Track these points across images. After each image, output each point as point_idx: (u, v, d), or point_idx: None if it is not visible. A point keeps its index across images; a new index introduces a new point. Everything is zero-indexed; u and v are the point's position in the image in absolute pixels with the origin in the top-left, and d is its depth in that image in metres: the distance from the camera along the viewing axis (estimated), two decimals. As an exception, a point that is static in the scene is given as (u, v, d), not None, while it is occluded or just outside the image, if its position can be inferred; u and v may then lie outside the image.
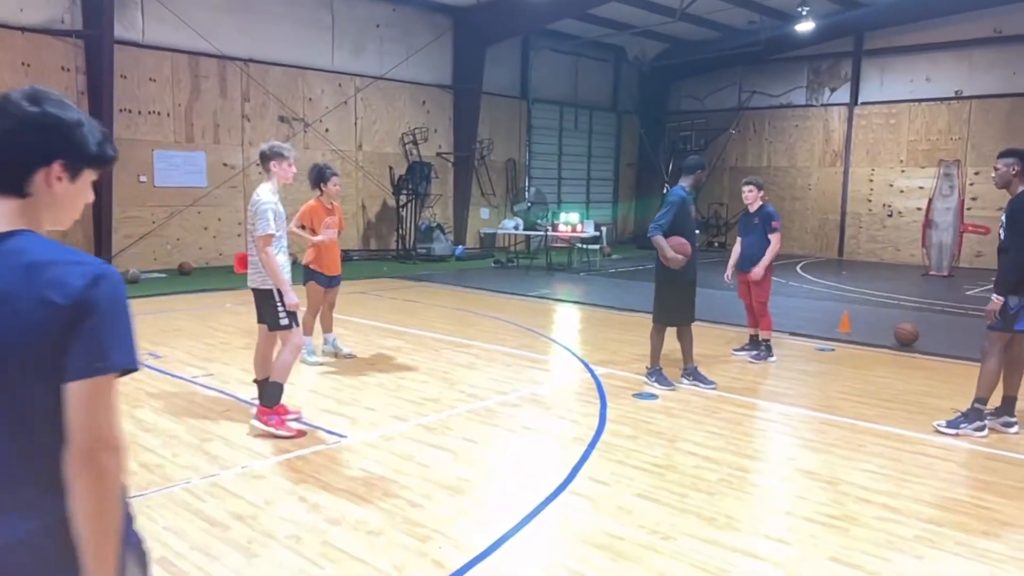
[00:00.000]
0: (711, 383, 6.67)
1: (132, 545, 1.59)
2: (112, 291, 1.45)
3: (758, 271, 7.61)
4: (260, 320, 5.48)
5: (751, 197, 7.83)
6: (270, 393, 5.26)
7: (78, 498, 1.41)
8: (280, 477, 4.48)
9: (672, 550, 3.65)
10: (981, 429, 5.43)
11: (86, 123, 1.54)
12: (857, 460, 4.92)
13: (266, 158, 5.34)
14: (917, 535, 3.85)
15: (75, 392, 1.41)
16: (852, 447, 5.18)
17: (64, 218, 1.58)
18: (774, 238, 7.65)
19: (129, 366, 1.47)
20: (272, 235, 5.16)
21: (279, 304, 5.26)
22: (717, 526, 3.92)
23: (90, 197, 1.63)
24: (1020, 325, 5.35)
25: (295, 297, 5.29)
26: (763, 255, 7.63)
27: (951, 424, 5.49)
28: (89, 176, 1.58)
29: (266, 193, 5.29)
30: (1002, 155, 5.43)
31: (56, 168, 1.51)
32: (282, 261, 5.28)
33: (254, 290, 5.42)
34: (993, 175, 5.49)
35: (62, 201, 1.55)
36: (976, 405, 5.47)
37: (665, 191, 7.12)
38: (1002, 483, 4.58)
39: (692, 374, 6.76)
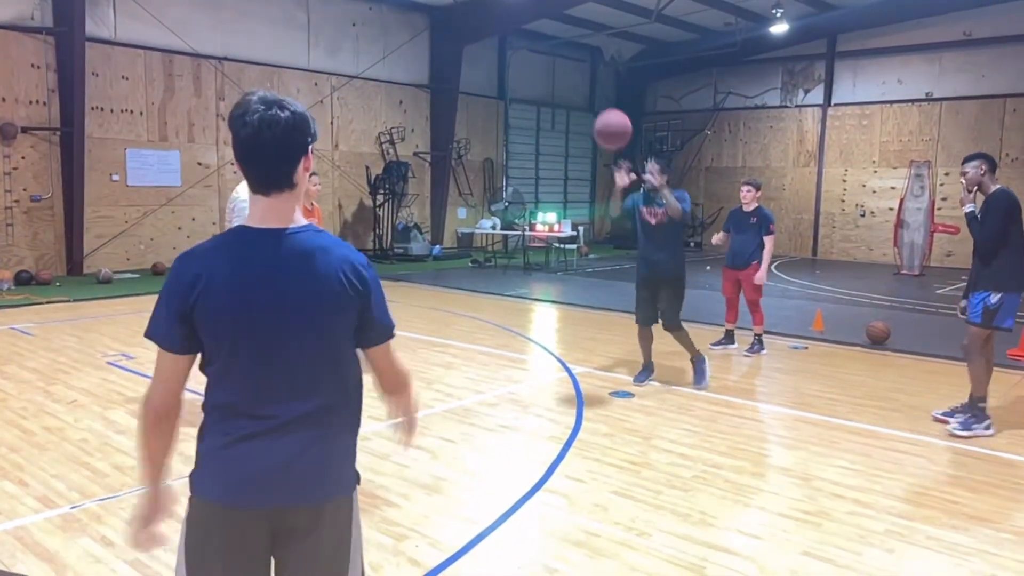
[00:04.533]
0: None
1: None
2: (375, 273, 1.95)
3: (761, 276, 7.83)
4: None
5: (749, 197, 7.97)
6: None
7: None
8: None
9: (647, 546, 3.68)
10: (989, 428, 5.46)
11: (306, 109, 1.85)
12: (830, 456, 4.99)
13: None
14: (888, 529, 3.91)
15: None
16: (825, 443, 5.25)
17: (307, 195, 1.98)
18: (769, 240, 7.80)
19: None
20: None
21: None
22: (692, 522, 3.96)
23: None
24: (1000, 321, 5.41)
25: None
26: (755, 253, 7.84)
27: (964, 426, 5.47)
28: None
29: (245, 191, 5.25)
30: (968, 159, 5.55)
31: (310, 153, 1.85)
32: None
33: None
34: (963, 180, 5.56)
35: (305, 180, 1.87)
36: (979, 404, 5.51)
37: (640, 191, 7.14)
38: (970, 478, 4.67)
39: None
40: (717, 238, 8.22)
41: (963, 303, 5.75)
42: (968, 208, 5.58)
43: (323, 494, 1.86)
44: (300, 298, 1.78)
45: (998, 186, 5.49)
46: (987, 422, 5.50)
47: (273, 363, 1.80)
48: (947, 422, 5.62)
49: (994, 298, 5.39)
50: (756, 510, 4.16)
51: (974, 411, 5.53)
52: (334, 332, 1.83)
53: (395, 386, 2.03)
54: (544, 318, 10.77)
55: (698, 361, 6.71)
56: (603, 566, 3.48)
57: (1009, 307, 5.39)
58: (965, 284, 5.82)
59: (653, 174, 6.44)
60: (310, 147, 1.83)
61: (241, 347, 1.78)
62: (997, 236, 5.37)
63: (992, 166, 5.52)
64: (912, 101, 19.09)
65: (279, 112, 1.75)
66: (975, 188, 5.50)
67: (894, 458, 4.99)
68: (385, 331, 1.94)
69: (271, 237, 1.80)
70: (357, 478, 1.99)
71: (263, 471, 1.80)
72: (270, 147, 1.75)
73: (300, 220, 1.84)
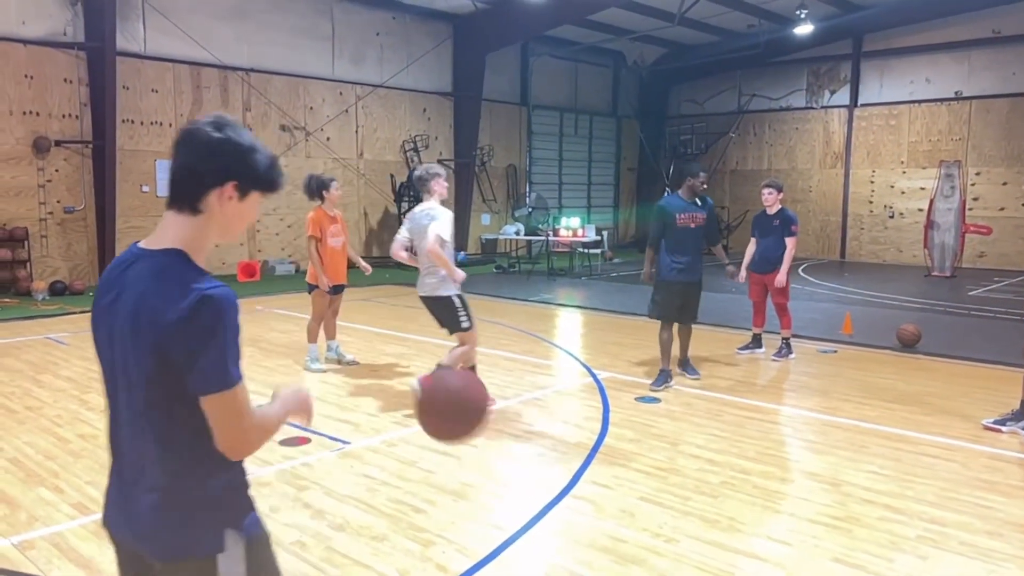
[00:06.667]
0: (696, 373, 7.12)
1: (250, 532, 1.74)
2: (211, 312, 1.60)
3: (781, 279, 7.72)
4: (442, 325, 5.99)
5: (771, 199, 7.88)
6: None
7: None
8: (284, 484, 4.50)
9: (675, 552, 3.66)
10: None
11: (260, 149, 1.70)
12: (859, 461, 4.93)
13: (424, 180, 5.90)
14: (920, 535, 3.86)
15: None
16: (855, 448, 5.19)
17: (230, 234, 1.74)
18: (791, 242, 7.72)
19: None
20: (446, 240, 5.68)
21: (460, 309, 5.85)
22: (720, 528, 3.93)
23: (254, 218, 1.79)
24: None
25: (462, 273, 5.84)
26: (780, 256, 7.75)
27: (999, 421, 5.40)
28: (256, 198, 1.72)
29: (438, 207, 5.86)
30: None
31: (228, 188, 1.66)
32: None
33: (428, 298, 5.92)
34: None
35: (230, 219, 1.70)
36: None
37: (666, 194, 7.21)
38: (1004, 483, 4.59)
39: (682, 365, 7.19)
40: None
41: None
42: None
43: (163, 551, 1.67)
44: (124, 336, 1.62)
45: None
46: None
47: (112, 401, 1.71)
48: (1000, 431, 5.49)
49: None
50: (785, 516, 4.13)
51: None
52: (157, 375, 1.58)
53: (225, 449, 1.63)
54: (568, 323, 10.76)
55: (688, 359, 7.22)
56: (629, 572, 3.47)
57: None
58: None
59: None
60: (232, 182, 1.65)
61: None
62: None
63: None
64: (941, 100, 18.82)
65: (207, 130, 1.63)
66: None
67: (926, 463, 4.91)
68: (203, 380, 1.56)
69: (136, 259, 1.67)
70: (219, 542, 1.66)
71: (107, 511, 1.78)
72: (180, 158, 1.66)
73: (193, 250, 1.66)
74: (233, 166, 1.66)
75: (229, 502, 1.71)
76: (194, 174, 1.65)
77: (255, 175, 1.69)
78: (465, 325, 5.88)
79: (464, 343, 5.97)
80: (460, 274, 5.84)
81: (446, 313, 5.91)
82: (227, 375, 1.56)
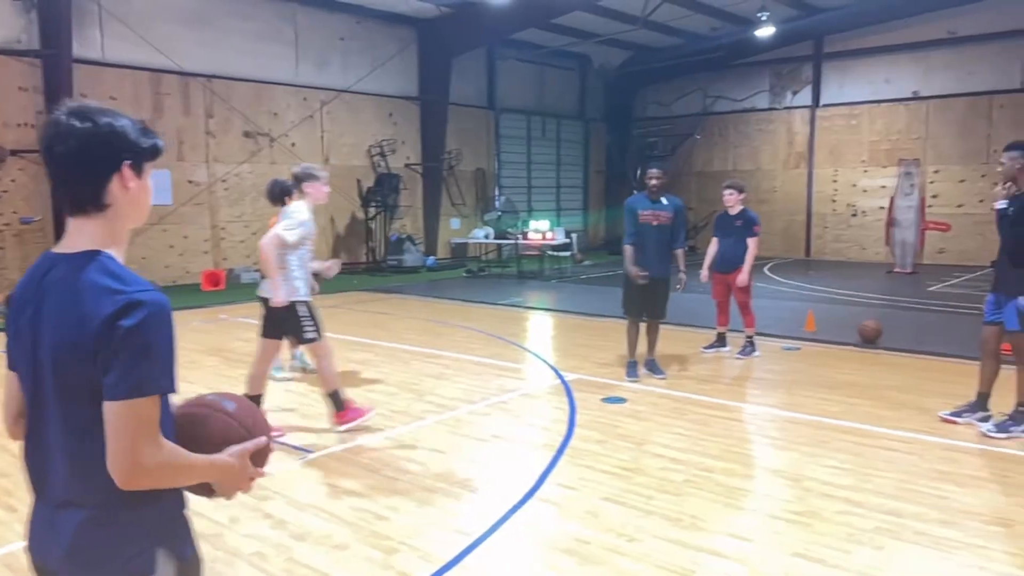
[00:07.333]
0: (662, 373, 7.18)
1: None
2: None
3: (744, 278, 7.82)
4: (268, 335, 5.49)
5: (732, 200, 7.99)
6: (337, 401, 5.50)
7: None
8: (245, 495, 4.43)
9: (638, 551, 3.67)
10: None
11: (128, 119, 1.63)
12: (821, 456, 4.99)
13: (299, 179, 5.47)
14: (877, 527, 3.92)
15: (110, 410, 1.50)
16: (816, 443, 5.26)
17: (142, 215, 1.68)
18: (753, 242, 7.82)
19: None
20: (290, 242, 5.26)
21: (306, 316, 5.41)
22: (682, 526, 3.95)
23: (152, 190, 1.71)
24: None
25: (287, 289, 5.37)
26: (742, 256, 7.84)
27: (1000, 428, 5.31)
28: (150, 169, 1.67)
29: (302, 209, 5.41)
30: (1008, 148, 5.27)
31: (125, 170, 1.59)
32: (299, 276, 5.39)
33: (267, 300, 5.41)
34: (999, 168, 5.35)
35: (137, 199, 1.64)
36: (1020, 408, 5.35)
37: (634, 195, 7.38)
38: (959, 473, 4.68)
39: (648, 365, 7.26)
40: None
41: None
42: (1000, 204, 5.30)
43: (91, 573, 1.59)
44: (50, 349, 1.54)
45: None
46: None
47: (36, 421, 1.63)
48: (956, 422, 5.59)
49: None
50: (747, 512, 4.17)
51: (1014, 414, 5.35)
52: (85, 388, 1.50)
53: (115, 468, 1.48)
54: (538, 326, 10.78)
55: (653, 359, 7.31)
56: (593, 573, 3.48)
57: None
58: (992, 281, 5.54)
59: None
60: (125, 163, 1.59)
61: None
62: None
63: None
64: (900, 100, 19.18)
65: (76, 123, 1.54)
66: (1009, 182, 5.23)
67: (885, 456, 4.99)
68: (115, 384, 1.47)
69: (52, 265, 1.59)
70: (150, 564, 1.59)
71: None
72: (62, 163, 1.55)
73: (111, 246, 1.60)
74: (118, 146, 1.58)
75: (162, 522, 1.64)
76: (86, 171, 1.56)
77: (140, 147, 1.62)
78: (311, 336, 5.43)
79: (316, 356, 5.51)
80: (288, 287, 5.31)
81: (290, 320, 5.38)
82: (147, 382, 1.47)
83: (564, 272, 16.74)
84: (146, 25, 13.84)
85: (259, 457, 1.76)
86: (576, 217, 23.91)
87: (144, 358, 1.47)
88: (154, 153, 1.66)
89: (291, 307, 5.34)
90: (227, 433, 1.70)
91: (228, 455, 1.68)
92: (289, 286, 5.34)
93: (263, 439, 1.76)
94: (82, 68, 13.06)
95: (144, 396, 1.47)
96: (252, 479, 1.74)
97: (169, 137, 14.53)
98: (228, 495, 1.73)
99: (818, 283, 14.69)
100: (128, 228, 1.66)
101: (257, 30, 15.67)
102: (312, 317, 5.46)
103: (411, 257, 17.31)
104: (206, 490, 1.70)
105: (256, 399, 5.34)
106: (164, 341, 1.52)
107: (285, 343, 7.48)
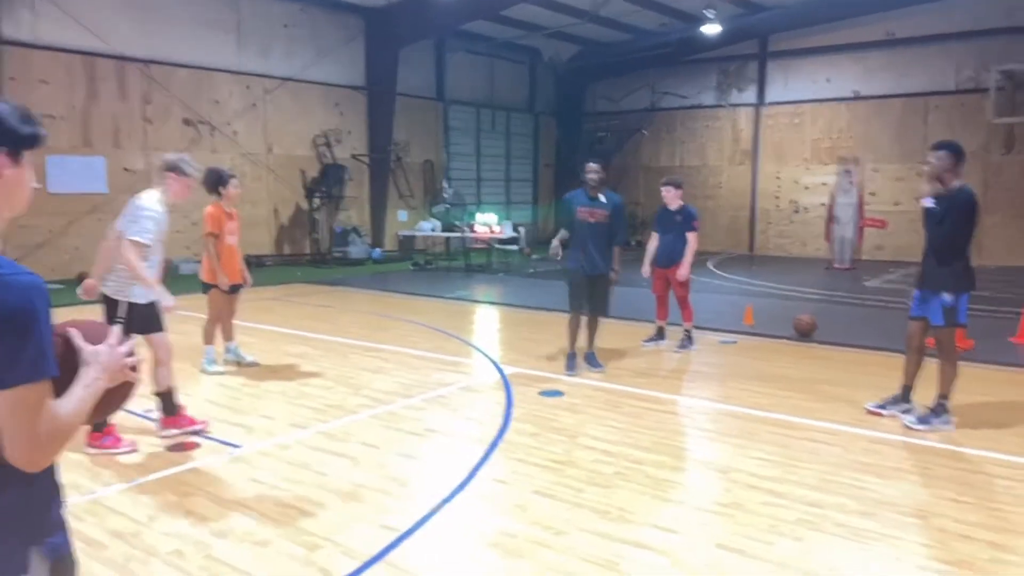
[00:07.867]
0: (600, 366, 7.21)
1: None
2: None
3: (684, 272, 7.91)
4: (141, 332, 5.08)
5: (671, 196, 8.06)
6: (167, 406, 5.29)
7: None
8: (168, 492, 4.32)
9: (563, 544, 3.67)
10: (949, 422, 5.41)
11: (8, 106, 1.57)
12: (749, 448, 5.07)
13: (169, 167, 5.13)
14: (799, 518, 3.99)
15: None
16: (745, 436, 5.34)
17: (19, 203, 1.63)
18: (692, 237, 7.92)
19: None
20: (146, 245, 4.95)
21: (122, 318, 4.99)
22: (610, 519, 3.97)
23: (32, 178, 1.65)
24: (959, 318, 5.39)
25: (171, 299, 5.13)
26: (682, 251, 7.93)
27: (922, 421, 5.43)
28: (30, 157, 1.62)
29: (152, 200, 5.10)
30: (935, 147, 5.35)
31: (1, 159, 1.55)
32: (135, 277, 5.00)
33: (106, 298, 5.09)
34: (926, 167, 5.42)
35: (13, 188, 1.59)
36: (943, 400, 5.46)
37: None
38: (881, 464, 4.80)
39: (586, 358, 7.28)
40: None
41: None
42: (927, 203, 5.40)
43: None
44: None
45: (960, 183, 5.29)
46: (946, 416, 5.43)
47: None
48: (880, 414, 5.73)
49: (950, 298, 5.32)
50: (674, 504, 4.20)
51: (936, 407, 5.47)
52: None
53: (14, 457, 1.45)
54: (482, 320, 10.74)
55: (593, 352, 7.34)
56: (516, 566, 3.47)
57: (964, 305, 5.38)
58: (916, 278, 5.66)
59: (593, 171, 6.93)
60: (1, 152, 1.55)
61: None
62: (959, 238, 5.26)
63: (958, 159, 5.29)
64: (841, 100, 19.63)
65: None
66: (935, 179, 5.31)
67: (810, 448, 5.09)
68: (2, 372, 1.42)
69: None
70: (22, 563, 1.53)
71: None
72: None
73: None
74: None
75: (31, 519, 1.56)
76: None
77: (18, 134, 1.57)
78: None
79: (157, 354, 5.21)
80: (168, 299, 5.10)
81: (112, 316, 5.06)
82: (33, 367, 1.41)
83: (511, 266, 16.73)
84: (80, 6, 13.36)
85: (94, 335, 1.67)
86: (526, 211, 23.91)
87: (29, 341, 1.42)
88: (33, 141, 1.61)
89: (120, 303, 5.05)
90: (65, 354, 1.60)
91: (85, 368, 1.60)
92: (124, 284, 5.05)
93: (88, 322, 1.70)
94: (11, 50, 12.55)
95: (35, 381, 1.43)
96: (127, 366, 1.68)
97: (104, 123, 14.08)
98: (123, 400, 1.73)
99: (759, 278, 14.97)
100: (4, 218, 1.60)
101: (198, 15, 15.26)
102: (130, 322, 5.00)
103: (357, 249, 17.11)
104: (107, 408, 1.68)
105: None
106: (45, 322, 1.46)
107: (219, 337, 7.34)
